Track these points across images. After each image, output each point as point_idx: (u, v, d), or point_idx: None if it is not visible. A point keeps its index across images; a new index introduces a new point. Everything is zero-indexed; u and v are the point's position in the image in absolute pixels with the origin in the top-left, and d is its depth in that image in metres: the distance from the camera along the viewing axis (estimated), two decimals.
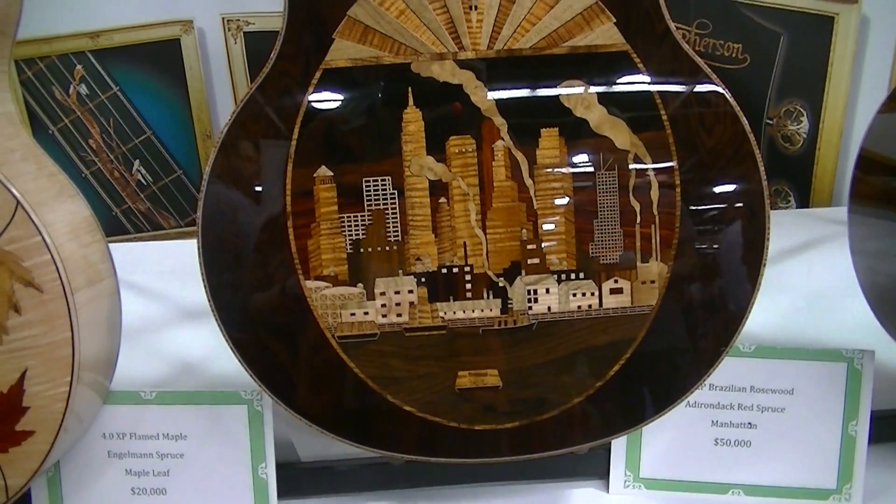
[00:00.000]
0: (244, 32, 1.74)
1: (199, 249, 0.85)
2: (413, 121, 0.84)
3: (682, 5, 1.70)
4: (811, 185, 1.74)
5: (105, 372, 0.94)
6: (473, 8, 0.85)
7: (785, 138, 1.72)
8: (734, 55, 1.71)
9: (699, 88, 0.87)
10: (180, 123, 1.79)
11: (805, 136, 1.71)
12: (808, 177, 1.73)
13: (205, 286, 0.86)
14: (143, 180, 1.80)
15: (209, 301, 0.86)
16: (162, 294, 1.44)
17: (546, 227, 0.86)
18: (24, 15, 1.63)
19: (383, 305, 0.86)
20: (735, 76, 1.70)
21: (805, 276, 1.39)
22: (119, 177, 1.80)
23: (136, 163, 1.79)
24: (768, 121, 1.72)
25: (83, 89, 1.74)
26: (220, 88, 1.79)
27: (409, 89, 0.84)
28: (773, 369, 0.98)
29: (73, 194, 0.92)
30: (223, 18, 1.74)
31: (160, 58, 1.74)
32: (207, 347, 1.25)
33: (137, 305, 1.37)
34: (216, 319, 0.87)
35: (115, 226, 1.81)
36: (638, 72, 0.85)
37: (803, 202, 1.76)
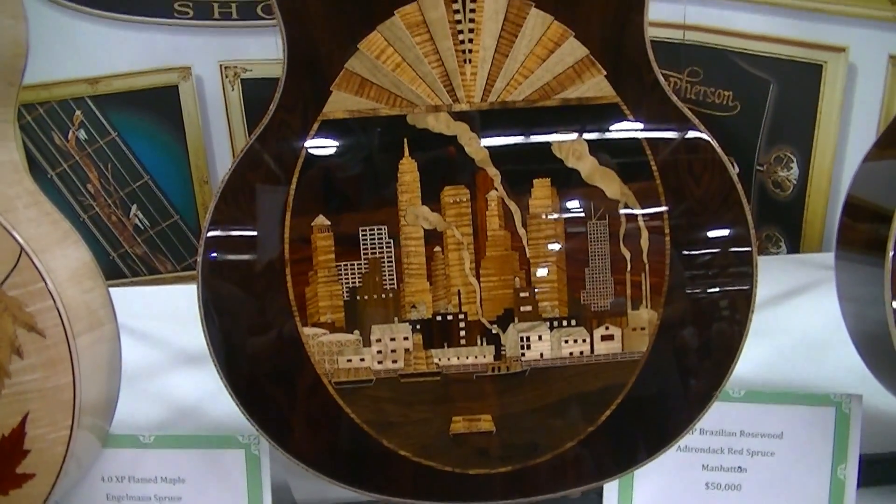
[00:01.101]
0: (242, 79, 1.76)
1: (198, 295, 0.87)
2: (409, 171, 0.86)
3: (673, 53, 1.71)
4: (801, 230, 1.75)
5: (105, 416, 0.95)
6: (468, 61, 0.87)
7: (775, 184, 1.74)
8: (725, 102, 1.72)
9: (687, 138, 0.88)
10: (178, 169, 1.80)
11: (795, 182, 1.73)
12: (798, 222, 1.75)
13: (204, 332, 0.87)
14: (140, 225, 1.81)
15: (208, 346, 0.87)
16: (160, 338, 1.45)
17: (538, 275, 0.87)
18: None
19: (379, 352, 0.87)
20: (726, 123, 1.72)
21: (794, 321, 1.40)
22: (116, 221, 1.80)
23: (134, 207, 1.80)
24: (759, 167, 1.74)
25: (82, 134, 1.76)
26: (218, 134, 1.80)
27: (405, 140, 0.86)
28: (762, 414, 0.99)
29: (75, 240, 0.94)
30: (221, 65, 1.76)
31: (159, 104, 1.75)
32: (204, 391, 1.25)
33: (136, 349, 1.37)
34: (215, 364, 0.88)
35: (112, 269, 1.81)
36: (628, 123, 0.87)
37: (794, 247, 1.77)
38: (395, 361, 0.88)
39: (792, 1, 1.65)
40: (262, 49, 1.73)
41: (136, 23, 1.71)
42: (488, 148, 0.86)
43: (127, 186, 1.79)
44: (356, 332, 0.87)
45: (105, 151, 1.77)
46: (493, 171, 0.86)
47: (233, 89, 1.76)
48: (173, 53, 1.74)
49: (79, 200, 1.79)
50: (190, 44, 1.74)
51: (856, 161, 1.00)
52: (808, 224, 1.74)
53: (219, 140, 1.80)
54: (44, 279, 0.84)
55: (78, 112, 1.75)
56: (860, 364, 1.04)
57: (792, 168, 1.72)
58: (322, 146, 0.86)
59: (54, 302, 0.84)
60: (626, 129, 0.87)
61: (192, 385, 1.29)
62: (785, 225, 1.77)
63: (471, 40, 0.86)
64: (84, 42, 1.71)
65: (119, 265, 1.83)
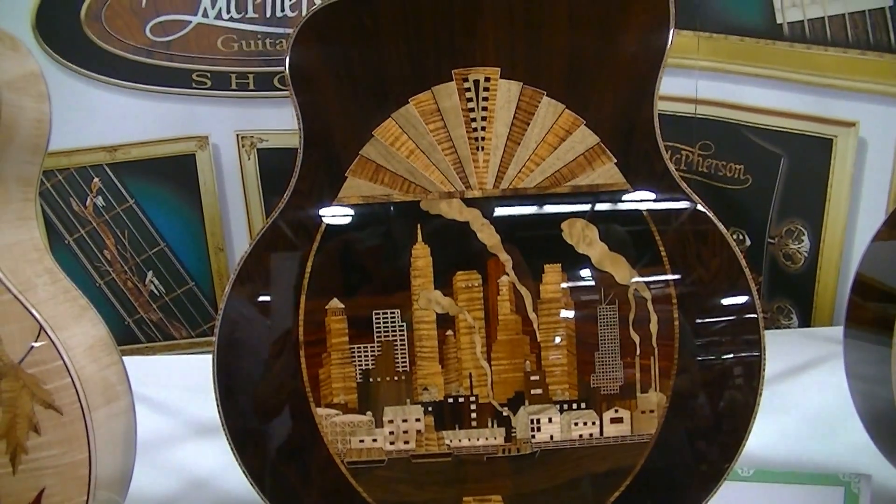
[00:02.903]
0: (258, 149, 1.77)
1: (213, 375, 0.88)
2: (422, 256, 0.87)
3: (685, 127, 1.71)
4: (813, 302, 1.75)
5: (119, 489, 0.95)
6: (480, 149, 0.88)
7: (787, 257, 1.73)
8: (737, 175, 1.72)
9: (697, 226, 0.89)
10: (193, 236, 1.80)
11: (806, 254, 1.72)
12: (809, 294, 1.74)
13: (218, 409, 0.88)
14: (155, 291, 1.81)
15: (222, 424, 0.88)
16: (175, 409, 1.45)
17: (549, 358, 0.88)
18: None
19: (391, 433, 0.88)
20: (737, 196, 1.72)
21: (803, 397, 1.39)
22: (132, 287, 1.80)
23: (150, 274, 1.80)
24: (770, 240, 1.73)
25: (100, 201, 1.76)
26: (234, 203, 1.80)
27: (419, 226, 0.87)
28: (771, 493, 0.99)
29: (91, 316, 0.95)
30: (237, 135, 1.76)
31: (176, 172, 1.76)
32: (217, 464, 1.26)
33: (150, 420, 1.37)
34: (228, 442, 0.89)
35: (128, 335, 1.81)
36: (637, 210, 0.88)
37: (805, 319, 1.76)
38: (406, 442, 0.88)
39: (803, 76, 1.65)
40: (279, 119, 1.74)
41: (154, 92, 1.72)
42: (500, 234, 0.87)
43: (143, 253, 1.79)
44: (369, 413, 0.88)
45: (122, 218, 1.77)
46: (504, 257, 0.87)
47: (249, 158, 1.77)
48: (191, 123, 1.75)
49: (95, 266, 1.79)
50: (207, 113, 1.74)
51: (866, 233, 1.01)
52: (818, 296, 1.74)
53: (234, 208, 1.80)
54: (62, 357, 0.85)
55: (96, 179, 1.75)
56: (869, 442, 1.04)
57: (803, 241, 1.72)
58: (337, 231, 0.88)
59: (72, 379, 0.85)
60: (636, 215, 0.88)
61: (205, 457, 1.29)
62: (796, 297, 1.76)
63: (483, 128, 0.88)
64: (104, 111, 1.71)
65: (134, 331, 1.82)
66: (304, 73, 0.87)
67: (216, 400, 0.87)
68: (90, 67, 1.67)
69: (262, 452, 0.88)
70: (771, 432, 1.23)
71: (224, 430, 0.87)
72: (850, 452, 1.17)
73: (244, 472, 0.88)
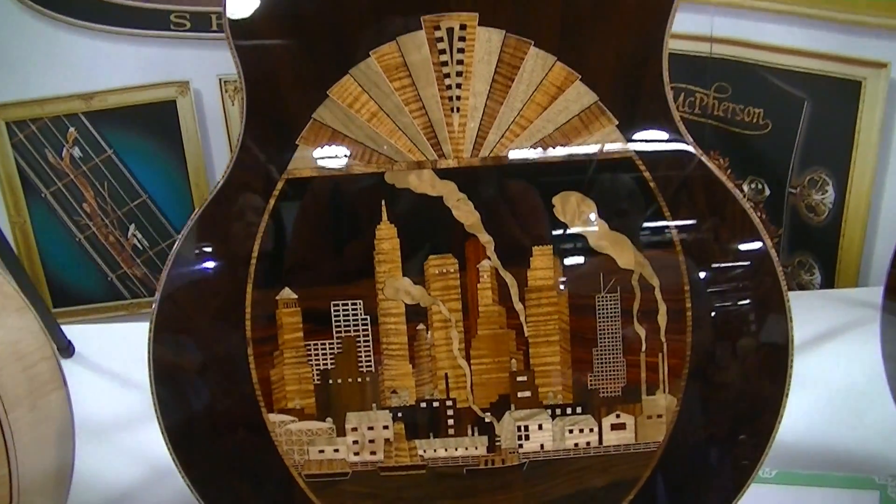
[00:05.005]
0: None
1: (151, 384, 0.79)
2: (387, 238, 0.78)
3: (699, 68, 1.63)
4: (837, 257, 1.67)
5: (55, 494, 0.87)
6: (456, 110, 0.78)
7: (809, 208, 1.65)
8: (755, 120, 1.64)
9: (715, 201, 0.79)
10: (177, 187, 1.74)
11: (830, 206, 1.64)
12: (833, 249, 1.66)
13: (159, 422, 0.80)
14: (139, 245, 1.75)
15: (165, 440, 0.80)
16: None
17: (539, 356, 0.80)
18: (15, 75, 1.62)
19: (355, 442, 0.80)
20: (756, 143, 1.64)
21: (830, 371, 1.29)
22: (114, 242, 1.75)
23: (132, 227, 1.75)
24: (791, 190, 1.65)
25: (77, 152, 1.70)
26: (218, 151, 1.73)
27: (383, 202, 0.78)
28: (796, 498, 0.92)
29: (18, 307, 0.86)
30: (220, 79, 1.69)
31: (156, 120, 1.69)
32: None
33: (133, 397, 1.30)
34: (171, 454, 0.80)
35: (111, 292, 1.76)
36: (643, 181, 0.79)
37: (828, 275, 1.69)
38: (373, 453, 0.81)
39: (829, 13, 1.56)
40: None
41: (131, 36, 1.65)
42: (480, 211, 0.78)
43: (124, 206, 1.73)
44: (329, 419, 0.80)
45: (101, 170, 1.71)
46: (485, 238, 0.78)
47: (233, 104, 1.69)
48: (170, 67, 1.67)
49: (74, 220, 1.73)
50: (187, 57, 1.67)
51: None
52: (843, 251, 1.65)
53: (219, 157, 1.73)
54: None
55: (72, 129, 1.69)
56: None
57: (827, 191, 1.63)
58: (288, 209, 0.79)
59: None
60: (642, 188, 0.79)
61: None
62: (819, 251, 1.68)
63: (459, 86, 0.78)
64: (77, 56, 1.65)
65: (118, 287, 1.77)
66: (243, 17, 0.78)
67: (156, 415, 0.79)
68: (61, 10, 1.61)
69: (208, 465, 0.81)
70: (792, 413, 1.13)
71: (165, 441, 0.80)
72: (882, 437, 1.09)
73: (189, 488, 0.81)
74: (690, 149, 0.79)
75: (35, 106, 1.67)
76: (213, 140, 1.72)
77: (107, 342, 1.41)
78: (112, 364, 1.39)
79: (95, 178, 1.70)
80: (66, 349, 1.41)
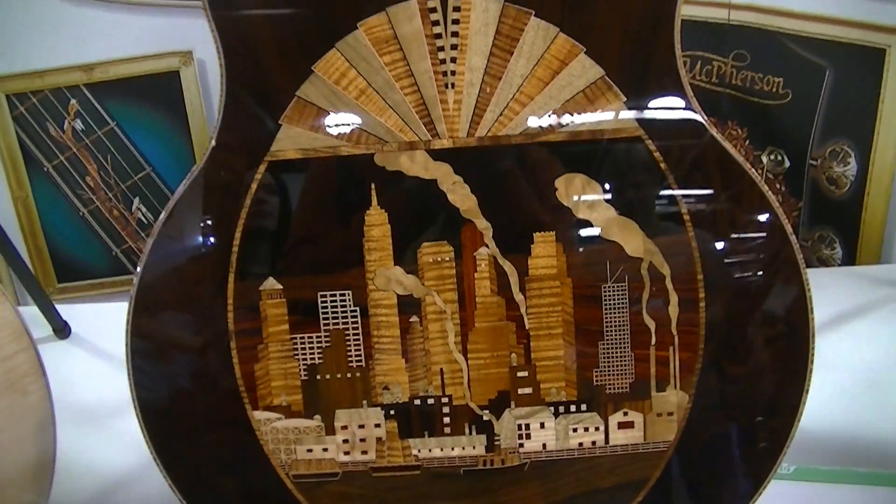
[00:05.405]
0: None
1: (129, 378, 0.76)
2: (377, 224, 0.74)
3: (717, 35, 1.59)
4: (859, 232, 1.63)
5: (37, 488, 0.85)
6: (450, 87, 0.74)
7: (830, 181, 1.61)
8: (775, 90, 1.60)
9: (731, 183, 0.75)
10: (181, 159, 1.72)
11: (852, 179, 1.60)
12: (855, 223, 1.62)
13: (138, 417, 0.76)
14: (143, 219, 1.74)
15: (146, 441, 0.77)
16: None
17: (541, 350, 0.76)
18: (15, 47, 1.58)
19: (345, 441, 0.77)
20: (775, 112, 1.61)
21: (853, 354, 1.25)
22: (118, 215, 1.74)
23: (136, 200, 1.73)
24: (812, 161, 1.62)
25: (78, 125, 1.69)
26: None
27: (373, 186, 0.74)
28: (816, 495, 0.88)
29: None
30: None
31: (159, 91, 1.68)
32: None
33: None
34: (152, 454, 0.77)
35: (116, 266, 1.76)
36: (654, 163, 0.74)
37: (850, 249, 1.65)
38: (364, 452, 0.78)
39: None
40: None
41: (133, 5, 1.63)
42: (477, 195, 0.74)
43: (128, 179, 1.72)
44: (317, 417, 0.77)
45: (104, 142, 1.69)
46: (482, 224, 0.74)
47: None
48: (173, 37, 1.65)
49: (78, 195, 1.72)
50: (190, 26, 1.64)
51: None
52: (865, 225, 1.61)
53: None
54: None
55: (73, 101, 1.67)
56: None
57: (849, 163, 1.59)
58: (271, 194, 0.75)
59: None
60: (652, 170, 0.74)
61: None
62: (840, 225, 1.64)
63: (454, 60, 0.74)
64: (78, 27, 1.63)
65: (123, 261, 1.76)
66: None
67: (134, 405, 0.76)
68: None
69: (192, 465, 0.78)
70: (812, 400, 1.09)
71: (146, 440, 0.77)
72: None
73: (171, 489, 0.78)
74: (705, 126, 0.74)
75: (35, 77, 1.65)
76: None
77: (104, 323, 1.37)
78: (108, 345, 1.37)
79: (98, 150, 1.69)
80: (62, 330, 1.39)
